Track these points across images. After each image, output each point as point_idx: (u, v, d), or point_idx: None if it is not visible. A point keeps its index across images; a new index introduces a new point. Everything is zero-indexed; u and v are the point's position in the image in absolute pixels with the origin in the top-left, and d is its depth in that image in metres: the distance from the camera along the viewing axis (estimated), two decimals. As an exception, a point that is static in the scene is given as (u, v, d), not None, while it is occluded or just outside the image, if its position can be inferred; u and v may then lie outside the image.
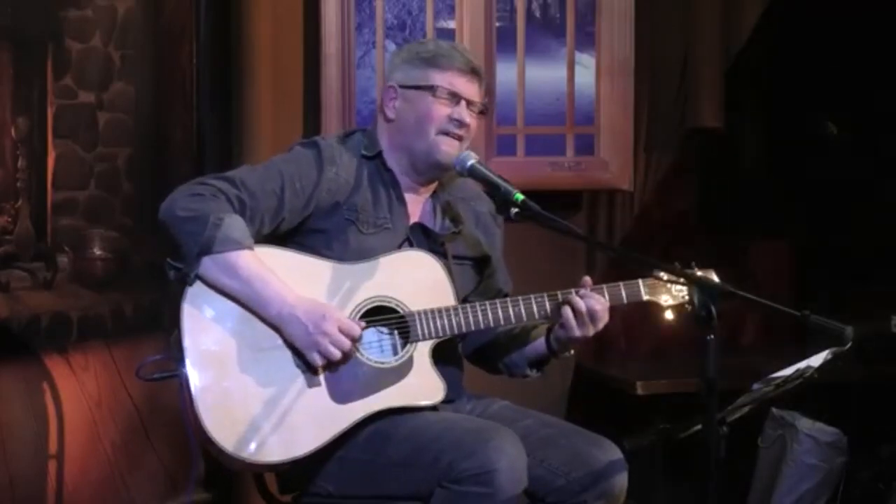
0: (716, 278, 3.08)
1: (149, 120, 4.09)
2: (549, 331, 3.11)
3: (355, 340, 2.89)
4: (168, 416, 3.75)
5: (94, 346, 3.90)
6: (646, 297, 3.09)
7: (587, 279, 3.05)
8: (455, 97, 3.05)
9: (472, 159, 3.01)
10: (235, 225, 2.89)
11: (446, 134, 3.05)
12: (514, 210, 2.93)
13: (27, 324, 3.74)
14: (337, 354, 2.87)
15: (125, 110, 4.01)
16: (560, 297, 3.03)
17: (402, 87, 3.08)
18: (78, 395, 3.84)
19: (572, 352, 3.14)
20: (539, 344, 3.14)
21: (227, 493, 4.11)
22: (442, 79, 3.05)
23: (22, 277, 3.74)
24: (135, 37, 4.02)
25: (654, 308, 3.09)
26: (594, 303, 3.01)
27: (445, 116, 3.04)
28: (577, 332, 3.01)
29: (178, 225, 2.89)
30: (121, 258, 3.98)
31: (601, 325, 3.03)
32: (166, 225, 2.91)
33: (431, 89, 3.04)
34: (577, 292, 3.02)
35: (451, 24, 4.54)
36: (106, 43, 3.94)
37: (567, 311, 3.00)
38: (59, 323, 3.82)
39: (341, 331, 2.86)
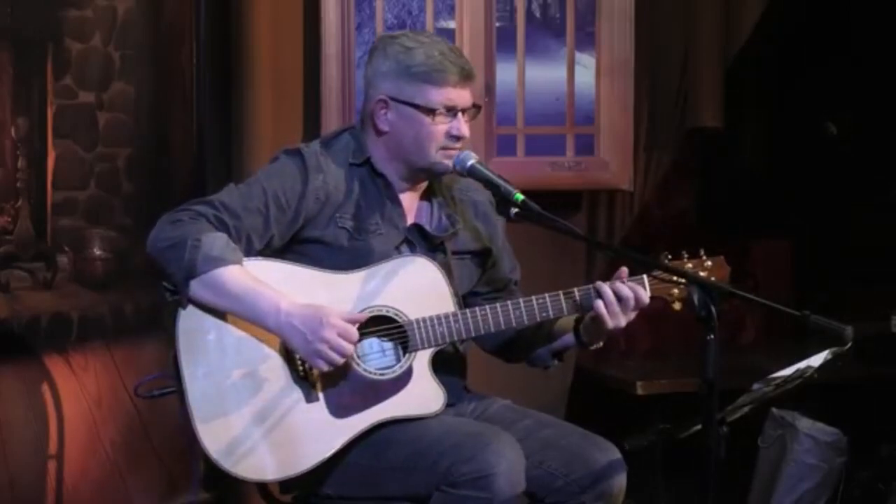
0: (727, 267, 3.07)
1: (149, 120, 4.09)
2: (578, 322, 3.09)
3: (355, 343, 2.89)
4: (168, 416, 3.75)
5: (94, 346, 3.91)
6: (649, 293, 3.06)
7: (624, 269, 3.02)
8: (452, 110, 3.00)
9: (472, 159, 3.00)
10: (215, 243, 2.86)
11: (446, 149, 3.02)
12: (514, 210, 2.92)
13: (27, 324, 3.74)
14: (339, 360, 2.86)
15: (125, 110, 4.01)
16: (562, 298, 3.01)
17: (393, 99, 3.01)
18: (78, 395, 3.85)
19: (601, 343, 3.11)
20: (565, 336, 3.12)
21: (227, 493, 4.11)
22: (438, 95, 2.98)
23: (22, 277, 3.75)
24: (135, 37, 4.02)
25: (659, 301, 3.07)
26: (625, 290, 2.97)
27: (444, 133, 2.99)
28: (611, 324, 2.98)
29: (161, 255, 2.88)
30: (121, 258, 3.98)
31: (632, 313, 3.00)
32: (153, 257, 2.91)
33: (430, 112, 2.98)
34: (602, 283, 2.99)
35: (451, 24, 4.54)
36: (106, 43, 3.94)
37: (598, 304, 2.97)
38: (59, 323, 3.82)
39: (340, 335, 2.85)
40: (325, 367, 2.86)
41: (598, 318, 2.99)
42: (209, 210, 2.92)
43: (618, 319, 2.99)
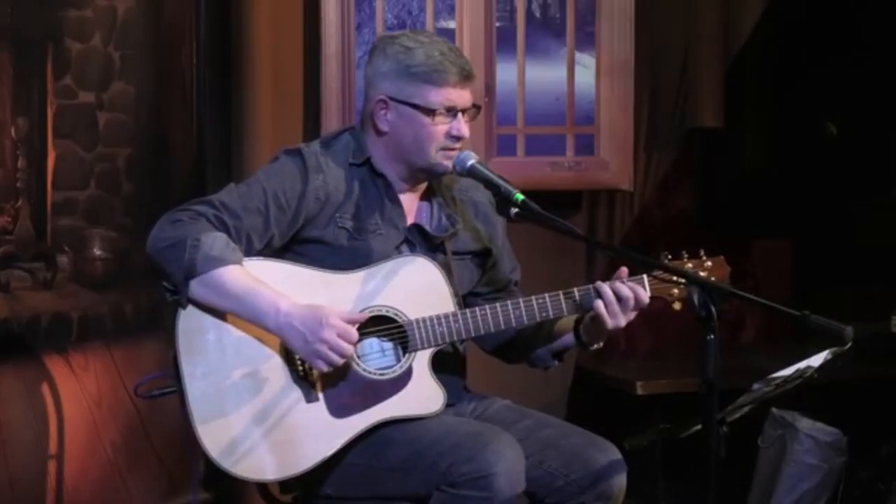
0: (727, 267, 3.07)
1: (149, 120, 4.09)
2: (578, 322, 3.08)
3: (354, 344, 2.89)
4: (168, 416, 3.75)
5: (94, 346, 3.90)
6: (649, 294, 3.05)
7: (623, 269, 3.02)
8: (452, 111, 3.00)
9: (472, 159, 3.00)
10: (215, 243, 2.86)
11: (446, 149, 3.01)
12: (514, 210, 2.92)
13: (27, 324, 3.74)
14: (339, 361, 2.86)
15: (125, 110, 4.01)
16: (562, 298, 3.00)
17: (393, 99, 3.01)
18: (78, 395, 3.85)
19: (601, 344, 3.11)
20: (565, 336, 3.12)
21: (227, 493, 4.11)
22: (437, 96, 2.98)
23: (22, 277, 3.75)
24: (135, 37, 4.02)
25: (659, 301, 3.06)
26: (624, 290, 2.97)
27: (444, 134, 2.99)
28: (610, 323, 2.98)
29: (161, 254, 2.88)
30: (121, 258, 3.98)
31: (632, 313, 2.99)
32: (152, 257, 2.91)
33: (430, 112, 2.98)
34: (602, 282, 2.99)
35: (451, 24, 4.54)
36: (106, 43, 3.94)
37: (598, 304, 2.97)
38: (59, 323, 3.82)
39: (340, 336, 2.85)
40: (325, 368, 2.86)
41: (597, 318, 2.99)
42: (209, 210, 2.92)
43: (617, 319, 2.98)
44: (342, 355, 2.85)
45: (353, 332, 2.87)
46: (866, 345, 3.58)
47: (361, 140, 3.08)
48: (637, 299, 2.99)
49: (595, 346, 3.11)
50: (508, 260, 3.25)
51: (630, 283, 3.00)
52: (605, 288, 2.98)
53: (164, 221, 2.92)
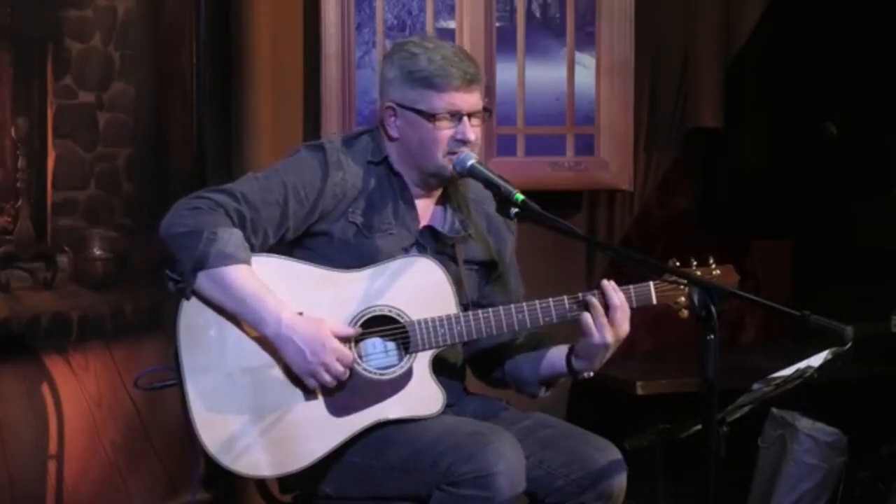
0: (736, 275, 3.06)
1: (149, 120, 4.09)
2: (571, 350, 3.06)
3: (348, 367, 2.89)
4: (168, 416, 3.75)
5: (94, 346, 3.91)
6: (655, 301, 3.04)
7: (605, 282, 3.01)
8: (456, 115, 2.99)
9: (472, 159, 3.00)
10: (231, 239, 2.87)
11: (453, 153, 3.01)
12: (514, 210, 2.92)
13: (27, 324, 3.74)
14: (332, 383, 2.88)
15: (125, 110, 4.01)
16: (566, 302, 3.00)
17: (400, 106, 3.02)
18: (78, 395, 3.85)
19: (592, 374, 3.06)
20: (556, 362, 3.08)
21: (227, 493, 4.11)
22: (440, 101, 2.98)
23: (22, 277, 3.75)
24: (135, 37, 4.02)
25: (664, 307, 3.05)
26: (613, 298, 2.96)
27: (449, 138, 2.99)
28: (596, 337, 2.96)
29: (174, 240, 2.88)
30: (121, 258, 3.98)
31: (622, 330, 2.97)
32: (164, 240, 2.91)
33: (431, 117, 2.98)
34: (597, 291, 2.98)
35: (451, 24, 4.54)
36: (106, 43, 3.94)
37: (585, 315, 2.96)
38: (59, 323, 3.82)
39: (338, 360, 2.87)
40: (315, 385, 2.88)
41: (585, 333, 2.97)
42: (229, 201, 2.92)
43: (603, 332, 2.96)
44: (335, 378, 2.87)
45: (349, 355, 2.89)
46: (866, 345, 3.58)
47: (380, 141, 3.09)
48: (622, 306, 2.96)
49: (586, 372, 3.06)
50: (515, 278, 3.23)
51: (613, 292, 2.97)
52: (595, 300, 2.97)
53: (181, 206, 2.92)
